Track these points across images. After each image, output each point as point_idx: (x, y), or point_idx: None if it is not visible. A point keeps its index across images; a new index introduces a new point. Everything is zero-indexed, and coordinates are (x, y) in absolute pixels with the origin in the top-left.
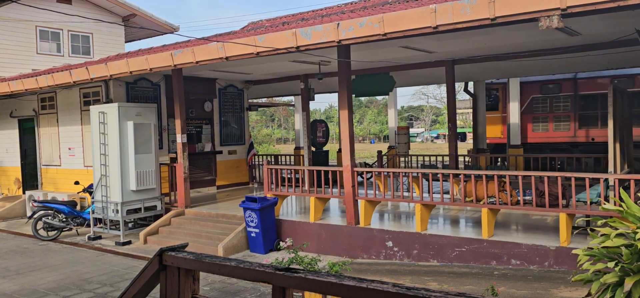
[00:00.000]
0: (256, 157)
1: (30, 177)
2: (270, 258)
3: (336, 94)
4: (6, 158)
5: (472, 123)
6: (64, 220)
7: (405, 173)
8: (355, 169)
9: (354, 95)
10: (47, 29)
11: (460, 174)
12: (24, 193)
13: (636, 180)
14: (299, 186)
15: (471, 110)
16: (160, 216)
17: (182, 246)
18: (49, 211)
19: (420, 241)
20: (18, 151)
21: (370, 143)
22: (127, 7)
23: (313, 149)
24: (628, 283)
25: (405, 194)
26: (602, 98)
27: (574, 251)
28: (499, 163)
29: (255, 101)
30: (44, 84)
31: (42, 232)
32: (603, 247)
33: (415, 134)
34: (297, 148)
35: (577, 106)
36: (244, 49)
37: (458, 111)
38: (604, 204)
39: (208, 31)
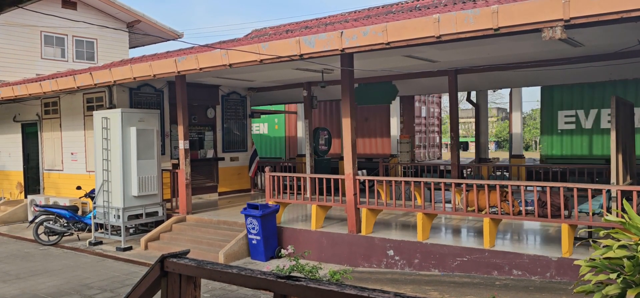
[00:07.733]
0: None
1: (32, 181)
2: (271, 265)
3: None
4: (9, 162)
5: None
6: (66, 224)
7: (407, 181)
8: (357, 177)
9: (356, 103)
10: (52, 34)
11: (462, 183)
12: (26, 197)
13: (638, 192)
14: (300, 193)
15: (473, 119)
16: (161, 222)
17: (184, 253)
18: (51, 216)
19: (421, 250)
20: (21, 156)
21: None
22: (131, 13)
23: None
24: (630, 295)
25: (407, 203)
26: None
27: (576, 263)
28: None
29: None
30: (48, 89)
31: (43, 237)
32: (605, 258)
33: None
34: (299, 156)
35: None
36: (248, 56)
37: (460, 120)
38: (607, 215)
39: (212, 38)
